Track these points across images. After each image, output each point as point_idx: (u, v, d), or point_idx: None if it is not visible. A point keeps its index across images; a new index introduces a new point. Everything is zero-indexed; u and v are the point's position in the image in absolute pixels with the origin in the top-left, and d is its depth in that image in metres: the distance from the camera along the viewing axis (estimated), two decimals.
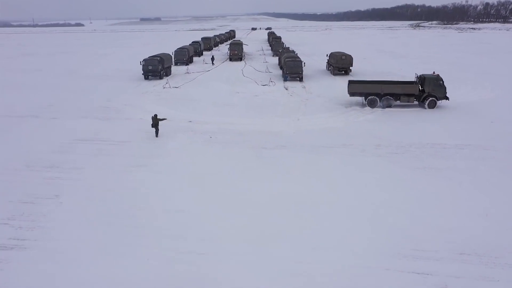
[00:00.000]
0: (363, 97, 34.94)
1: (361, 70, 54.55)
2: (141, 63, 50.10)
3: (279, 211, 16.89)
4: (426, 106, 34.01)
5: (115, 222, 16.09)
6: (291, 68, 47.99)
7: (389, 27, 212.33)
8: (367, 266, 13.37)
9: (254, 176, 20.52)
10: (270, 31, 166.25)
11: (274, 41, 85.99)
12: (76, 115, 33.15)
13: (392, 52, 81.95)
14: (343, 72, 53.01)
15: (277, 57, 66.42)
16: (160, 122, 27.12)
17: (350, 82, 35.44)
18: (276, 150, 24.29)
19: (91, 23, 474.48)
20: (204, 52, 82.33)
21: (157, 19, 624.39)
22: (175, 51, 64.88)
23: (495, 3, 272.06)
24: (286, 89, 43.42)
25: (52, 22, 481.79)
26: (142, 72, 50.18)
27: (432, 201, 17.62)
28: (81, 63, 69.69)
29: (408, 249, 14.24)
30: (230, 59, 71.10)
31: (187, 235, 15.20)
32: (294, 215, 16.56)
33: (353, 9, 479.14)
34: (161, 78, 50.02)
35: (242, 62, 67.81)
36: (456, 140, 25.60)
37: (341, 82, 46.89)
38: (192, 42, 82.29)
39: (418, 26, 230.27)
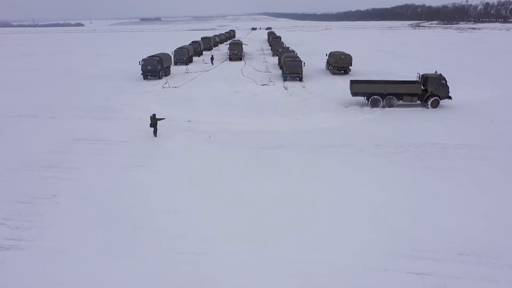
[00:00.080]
0: (365, 97, 34.80)
1: (361, 70, 54.48)
2: (140, 63, 50.01)
3: (278, 211, 16.79)
4: (429, 105, 33.90)
5: (113, 222, 16.00)
6: (290, 68, 47.90)
7: (389, 27, 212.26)
8: (366, 266, 13.28)
9: (254, 176, 20.43)
10: (270, 31, 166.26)
11: (274, 41, 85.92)
12: (75, 115, 33.06)
13: (392, 52, 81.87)
14: (343, 71, 52.99)
15: (277, 57, 66.38)
16: (158, 122, 27.05)
17: (353, 82, 35.21)
18: (275, 150, 24.20)
19: (91, 23, 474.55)
20: (204, 52, 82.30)
21: (157, 19, 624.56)
22: (174, 51, 64.83)
23: (495, 3, 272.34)
24: (286, 89, 43.33)
25: (52, 22, 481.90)
26: (141, 72, 50.09)
27: (432, 201, 17.52)
28: (80, 63, 69.64)
29: (407, 249, 14.15)
30: (230, 59, 71.03)
31: (187, 235, 15.11)
32: (293, 215, 16.47)
33: (353, 9, 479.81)
34: (160, 78, 49.94)
35: (242, 62, 67.74)
36: (456, 140, 25.50)
37: (341, 82, 46.89)
38: (192, 42, 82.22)
39: (418, 26, 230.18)
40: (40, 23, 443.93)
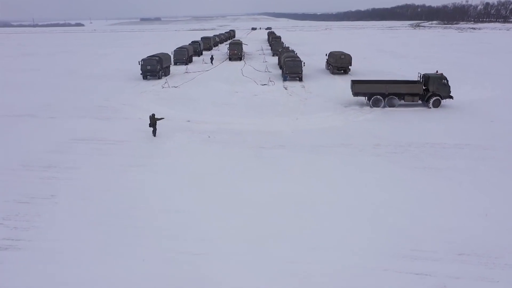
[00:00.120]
0: (366, 97, 34.71)
1: (361, 70, 54.44)
2: (140, 63, 49.93)
3: (278, 211, 16.73)
4: (430, 105, 33.84)
5: (112, 222, 15.94)
6: (290, 68, 47.81)
7: (389, 27, 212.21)
8: (366, 266, 13.22)
9: (253, 176, 20.38)
10: (270, 31, 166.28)
11: (274, 41, 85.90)
12: (74, 115, 33.01)
13: (392, 51, 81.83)
14: (342, 71, 52.99)
15: (277, 57, 66.33)
16: (158, 122, 26.99)
17: (354, 82, 35.06)
18: (275, 150, 24.14)
19: (91, 23, 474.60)
20: (203, 52, 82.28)
21: (157, 19, 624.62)
22: (174, 50, 64.79)
23: (495, 3, 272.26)
24: (286, 89, 43.28)
25: (52, 22, 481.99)
26: (141, 72, 50.02)
27: (431, 201, 17.46)
28: (80, 63, 69.59)
29: (407, 249, 14.09)
30: (230, 59, 70.99)
31: (186, 235, 15.05)
32: (293, 215, 16.41)
33: (353, 9, 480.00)
34: (159, 78, 49.87)
35: (242, 62, 67.70)
36: (455, 140, 25.44)
37: (341, 82, 46.85)
38: (192, 41, 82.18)
39: (418, 26, 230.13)
40: (40, 23, 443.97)
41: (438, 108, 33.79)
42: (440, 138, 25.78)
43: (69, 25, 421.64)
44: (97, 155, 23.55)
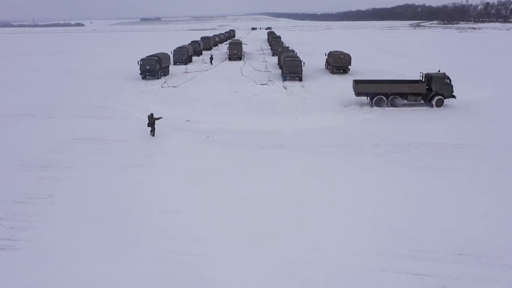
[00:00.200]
0: (369, 97, 34.57)
1: (360, 69, 54.33)
2: (139, 62, 49.79)
3: (277, 211, 16.64)
4: (433, 104, 33.76)
5: (110, 222, 15.86)
6: (290, 67, 47.68)
7: (389, 27, 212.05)
8: (365, 266, 13.12)
9: (252, 175, 20.28)
10: (270, 30, 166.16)
11: (274, 41, 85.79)
12: (73, 114, 32.93)
13: (392, 51, 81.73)
14: (342, 71, 52.94)
15: (277, 57, 66.23)
16: (156, 121, 26.88)
17: (357, 82, 34.83)
18: (274, 150, 24.05)
19: (91, 23, 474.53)
20: (203, 52, 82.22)
21: (157, 19, 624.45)
22: (174, 50, 64.72)
23: (496, 2, 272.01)
24: (285, 88, 43.19)
25: (53, 22, 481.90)
26: (140, 72, 49.90)
27: (431, 201, 17.37)
28: (80, 63, 69.51)
29: (407, 249, 14.00)
30: (229, 59, 70.90)
31: (185, 235, 14.96)
32: (293, 215, 16.31)
33: (354, 9, 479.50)
34: (158, 78, 49.72)
35: (241, 62, 67.60)
36: (455, 139, 25.34)
37: (340, 81, 46.78)
38: (192, 41, 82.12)
39: (419, 26, 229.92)
40: (40, 23, 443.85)
41: (438, 107, 33.67)
42: (440, 138, 25.68)
43: (69, 25, 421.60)
44: (95, 154, 23.47)
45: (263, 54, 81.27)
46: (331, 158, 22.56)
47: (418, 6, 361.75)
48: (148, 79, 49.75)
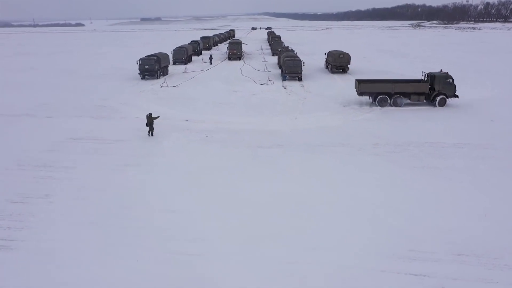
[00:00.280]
0: (371, 97, 34.40)
1: (360, 69, 54.23)
2: (138, 62, 49.65)
3: (277, 211, 16.52)
4: (436, 104, 33.67)
5: (108, 222, 15.76)
6: (290, 67, 47.54)
7: (390, 27, 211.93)
8: (364, 267, 13.02)
9: (251, 175, 20.17)
10: (269, 30, 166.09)
11: (274, 41, 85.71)
12: (72, 114, 32.83)
13: (392, 51, 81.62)
14: (341, 70, 52.86)
15: (276, 57, 66.12)
16: (154, 121, 26.74)
17: (360, 81, 34.63)
18: (273, 149, 23.94)
19: (91, 23, 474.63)
20: (203, 52, 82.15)
21: (158, 19, 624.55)
22: (173, 50, 64.65)
23: (496, 2, 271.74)
24: (285, 88, 43.08)
25: (53, 22, 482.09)
26: (139, 72, 49.77)
27: (431, 201, 17.25)
28: (79, 63, 69.45)
29: (406, 249, 13.88)
30: (229, 58, 70.83)
31: (185, 235, 14.85)
32: (292, 215, 16.19)
33: (354, 9, 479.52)
34: (157, 77, 49.58)
35: (241, 61, 67.51)
36: (455, 139, 25.22)
37: (340, 81, 46.69)
38: (191, 41, 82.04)
39: (419, 25, 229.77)
40: (40, 23, 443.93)
41: (438, 107, 33.59)
42: (439, 138, 25.57)
43: (70, 25, 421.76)
44: (94, 154, 23.36)
45: (263, 54, 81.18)
46: (331, 158, 22.44)
47: (418, 6, 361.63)
48: (147, 79, 49.65)
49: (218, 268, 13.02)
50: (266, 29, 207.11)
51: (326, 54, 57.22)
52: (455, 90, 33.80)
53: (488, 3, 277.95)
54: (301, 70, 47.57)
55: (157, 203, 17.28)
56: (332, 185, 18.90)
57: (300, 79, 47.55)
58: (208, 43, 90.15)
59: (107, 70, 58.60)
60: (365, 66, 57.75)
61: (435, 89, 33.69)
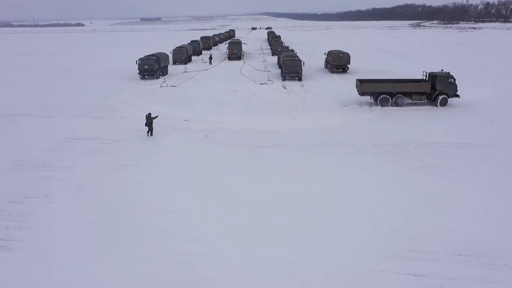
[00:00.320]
0: (372, 96, 34.33)
1: (360, 69, 54.18)
2: (137, 62, 49.57)
3: (276, 211, 16.47)
4: (438, 104, 33.65)
5: (107, 222, 15.71)
6: (290, 67, 47.47)
7: (390, 27, 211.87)
8: (364, 267, 12.97)
9: (251, 175, 20.13)
10: (269, 30, 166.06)
11: (274, 40, 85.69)
12: (71, 114, 32.80)
13: (392, 51, 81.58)
14: (341, 70, 52.82)
15: (276, 56, 66.09)
16: (154, 121, 26.69)
17: (361, 81, 34.54)
18: (273, 149, 23.90)
19: (91, 23, 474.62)
20: (203, 51, 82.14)
21: (158, 19, 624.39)
22: (173, 50, 64.60)
23: (496, 2, 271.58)
24: (284, 88, 43.04)
25: (53, 22, 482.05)
26: (138, 72, 49.70)
27: (431, 201, 17.21)
28: (79, 63, 69.41)
29: (406, 249, 13.84)
30: (229, 58, 70.81)
31: (184, 235, 14.81)
32: (292, 215, 16.14)
33: (354, 9, 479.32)
34: (157, 77, 49.50)
35: (241, 61, 67.47)
36: (455, 139, 25.18)
37: (340, 81, 46.65)
38: (191, 41, 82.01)
39: (419, 25, 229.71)
40: (40, 23, 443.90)
41: (438, 107, 33.56)
42: (439, 137, 25.52)
43: (70, 25, 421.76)
44: (92, 154, 23.32)
45: (263, 53, 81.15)
46: (331, 157, 22.40)
47: (418, 6, 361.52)
48: (147, 78, 49.60)
49: (218, 268, 12.99)
50: (266, 29, 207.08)
51: (326, 53, 57.21)
52: (457, 90, 33.78)
53: (488, 3, 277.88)
54: (301, 70, 47.51)
55: (156, 203, 17.24)
56: (332, 185, 18.85)
57: (300, 79, 47.49)
58: (208, 43, 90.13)
59: (107, 70, 58.56)
60: (365, 66, 57.70)
61: (436, 89, 33.66)
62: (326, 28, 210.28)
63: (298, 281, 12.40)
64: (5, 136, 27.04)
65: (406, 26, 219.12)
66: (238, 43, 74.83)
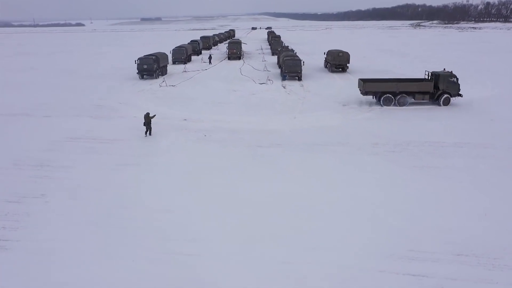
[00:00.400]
0: (375, 96, 34.18)
1: (359, 68, 54.09)
2: (136, 62, 49.44)
3: (276, 211, 16.36)
4: (441, 103, 33.57)
5: (104, 222, 15.60)
6: (289, 67, 47.33)
7: (390, 27, 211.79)
8: (364, 267, 12.86)
9: (250, 175, 20.02)
10: (269, 30, 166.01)
11: (273, 40, 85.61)
12: (70, 114, 32.71)
13: (392, 51, 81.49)
14: (340, 69, 52.72)
15: (276, 56, 66.00)
16: (152, 120, 26.56)
17: (364, 81, 34.38)
18: (272, 149, 23.78)
19: (91, 23, 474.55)
20: (203, 51, 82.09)
21: (158, 19, 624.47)
22: (173, 49, 64.51)
23: (496, 2, 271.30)
24: (284, 88, 42.94)
25: (53, 22, 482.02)
26: (137, 71, 49.58)
27: (431, 201, 17.08)
28: (79, 63, 69.34)
29: (406, 249, 13.73)
30: (229, 58, 70.73)
31: (184, 235, 14.70)
32: (292, 215, 16.02)
33: (354, 9, 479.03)
34: (156, 77, 49.39)
35: (241, 61, 67.38)
36: (455, 138, 25.06)
37: (339, 81, 46.55)
38: (191, 41, 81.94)
39: (419, 25, 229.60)
40: (40, 23, 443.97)
41: (438, 106, 33.47)
42: (439, 137, 25.41)
43: (70, 25, 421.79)
44: (90, 153, 23.21)
45: (263, 53, 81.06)
46: (330, 157, 22.29)
47: (418, 6, 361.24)
48: (146, 78, 49.50)
49: (218, 268, 12.88)
50: (266, 29, 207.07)
51: (326, 53, 57.14)
52: (459, 89, 33.70)
53: (488, 3, 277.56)
54: (301, 70, 47.40)
55: (156, 203, 17.13)
56: (332, 185, 18.74)
57: (299, 79, 47.38)
58: (208, 42, 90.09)
59: (107, 70, 58.47)
60: (365, 65, 57.61)
61: (439, 88, 33.56)
62: (326, 28, 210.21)
63: (298, 281, 12.30)
64: (3, 135, 26.94)
65: (406, 26, 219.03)
66: (238, 43, 74.77)
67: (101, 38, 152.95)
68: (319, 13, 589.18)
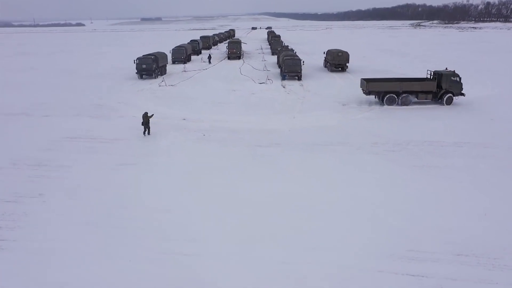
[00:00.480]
0: (378, 95, 34.09)
1: (359, 68, 54.03)
2: (135, 61, 49.34)
3: (276, 211, 16.30)
4: (444, 102, 33.55)
5: (102, 222, 15.54)
6: (289, 66, 47.26)
7: (390, 27, 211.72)
8: (364, 267, 12.80)
9: (250, 175, 19.95)
10: (269, 30, 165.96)
11: (273, 40, 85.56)
12: (69, 113, 32.66)
13: (392, 50, 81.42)
14: (340, 68, 52.67)
15: (276, 56, 65.95)
16: (150, 120, 26.47)
17: (368, 80, 34.29)
18: (272, 148, 23.72)
19: (91, 23, 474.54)
20: (202, 51, 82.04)
21: (158, 19, 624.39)
22: (172, 49, 64.44)
23: (496, 2, 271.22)
24: (284, 87, 42.87)
25: (53, 22, 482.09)
26: (136, 71, 49.48)
27: (431, 200, 17.02)
28: (79, 63, 69.30)
29: (405, 249, 13.66)
30: (229, 58, 70.68)
31: (184, 235, 14.65)
32: (292, 215, 15.96)
33: (354, 9, 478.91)
34: (155, 77, 49.31)
35: (241, 61, 67.33)
36: (455, 138, 24.99)
37: (339, 80, 46.48)
38: (191, 40, 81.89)
39: (419, 25, 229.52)
40: (41, 23, 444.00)
41: (438, 106, 33.43)
42: (439, 136, 25.34)
43: (70, 25, 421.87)
44: (89, 153, 23.15)
45: (263, 53, 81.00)
46: (330, 157, 22.22)
47: (418, 6, 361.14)
48: (145, 78, 49.44)
49: (218, 268, 12.83)
50: (266, 28, 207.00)
51: (325, 53, 57.10)
52: (462, 88, 33.68)
53: (488, 3, 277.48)
54: (301, 69, 47.33)
55: (155, 203, 17.06)
56: (332, 185, 18.67)
57: (299, 78, 47.31)
58: (208, 42, 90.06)
59: (107, 69, 58.42)
60: (365, 65, 57.54)
61: (442, 88, 33.52)
62: (326, 28, 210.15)
63: (298, 281, 12.24)
64: (2, 135, 26.87)
65: (406, 26, 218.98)
66: (238, 43, 74.73)
67: (101, 38, 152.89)
68: (319, 13, 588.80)
